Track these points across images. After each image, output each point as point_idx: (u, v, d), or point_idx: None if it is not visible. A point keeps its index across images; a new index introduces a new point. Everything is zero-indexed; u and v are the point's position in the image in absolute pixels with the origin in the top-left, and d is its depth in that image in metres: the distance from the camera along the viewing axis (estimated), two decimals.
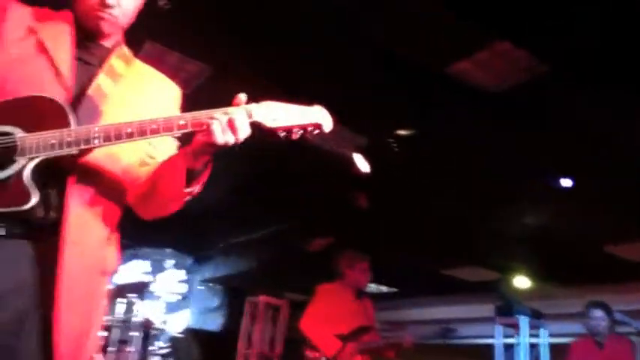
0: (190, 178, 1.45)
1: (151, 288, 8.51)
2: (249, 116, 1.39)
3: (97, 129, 1.35)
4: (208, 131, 1.35)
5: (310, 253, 7.23)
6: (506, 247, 6.71)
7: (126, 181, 1.56)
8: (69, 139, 1.32)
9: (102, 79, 1.51)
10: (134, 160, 1.58)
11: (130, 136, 1.35)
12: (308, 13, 3.67)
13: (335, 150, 5.37)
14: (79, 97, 1.46)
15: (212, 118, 1.36)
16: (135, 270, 8.66)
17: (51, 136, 1.31)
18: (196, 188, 1.49)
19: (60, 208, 1.38)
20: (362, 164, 5.49)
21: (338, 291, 4.87)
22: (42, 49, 1.46)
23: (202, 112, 1.39)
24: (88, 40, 1.58)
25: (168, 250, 9.33)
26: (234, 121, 1.35)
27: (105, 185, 1.49)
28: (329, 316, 4.66)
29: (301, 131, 1.43)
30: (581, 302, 5.39)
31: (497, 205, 5.72)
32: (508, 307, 7.07)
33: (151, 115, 1.46)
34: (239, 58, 4.31)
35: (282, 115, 1.41)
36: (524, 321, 6.90)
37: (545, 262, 6.89)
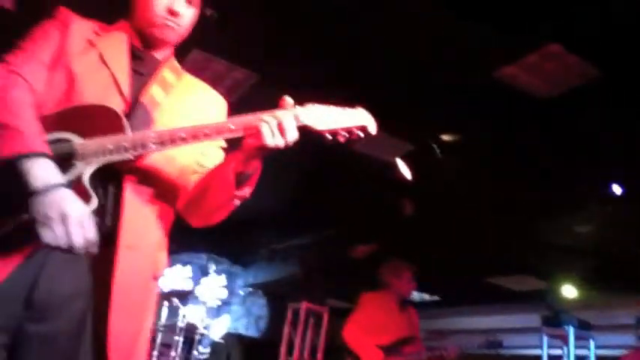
0: (240, 181, 1.47)
1: (194, 293, 8.63)
2: (297, 119, 1.41)
3: (152, 134, 1.39)
4: (258, 134, 1.38)
5: (353, 259, 7.20)
6: (554, 255, 6.54)
7: (178, 188, 1.59)
8: (125, 144, 1.36)
9: (154, 89, 1.56)
10: (186, 168, 1.61)
11: (184, 140, 1.39)
12: (353, 16, 3.66)
13: (379, 156, 5.35)
14: (133, 106, 1.50)
15: (261, 120, 1.38)
16: (177, 275, 8.78)
17: (108, 141, 1.36)
18: (247, 192, 1.51)
19: (116, 213, 1.42)
20: (405, 171, 5.45)
21: (383, 300, 4.82)
22: (102, 61, 1.52)
23: (251, 115, 1.41)
24: (142, 52, 1.63)
25: (210, 255, 9.43)
26: (283, 124, 1.37)
27: (159, 191, 1.53)
28: (373, 325, 4.62)
29: (347, 134, 1.44)
30: (631, 313, 5.21)
31: (545, 212, 5.58)
32: (555, 318, 6.88)
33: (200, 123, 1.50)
34: (284, 65, 4.34)
35: (328, 117, 1.43)
36: (571, 332, 6.71)
37: (595, 271, 6.69)
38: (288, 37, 4.01)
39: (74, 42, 1.53)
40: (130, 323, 1.43)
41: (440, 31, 3.60)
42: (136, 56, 1.60)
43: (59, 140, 1.37)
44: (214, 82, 4.64)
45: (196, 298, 8.85)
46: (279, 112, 1.41)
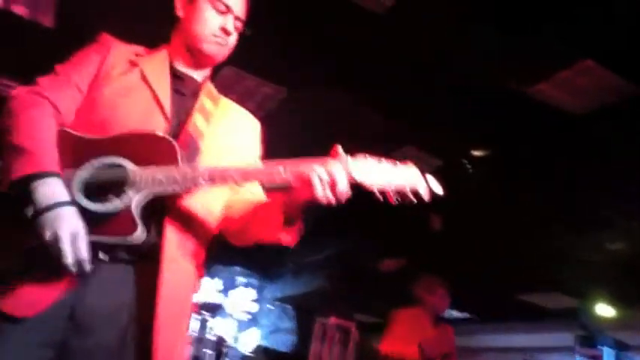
0: (287, 223, 1.50)
1: (223, 306, 8.67)
2: (349, 174, 1.39)
3: (203, 170, 1.41)
4: (309, 185, 1.37)
5: (381, 274, 7.15)
6: (589, 272, 6.38)
7: (219, 205, 1.64)
8: (176, 176, 1.39)
9: (197, 119, 1.60)
10: (222, 193, 1.66)
11: (234, 180, 1.42)
12: (386, 32, 3.67)
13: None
14: (178, 130, 1.55)
15: (314, 172, 1.37)
16: (207, 287, 8.83)
17: (160, 172, 1.38)
18: (291, 236, 1.54)
19: (159, 233, 1.45)
20: (435, 186, 5.39)
21: (417, 317, 4.78)
22: (144, 80, 1.58)
23: (302, 163, 1.40)
24: (183, 72, 1.68)
25: (239, 269, 9.47)
26: (336, 180, 1.36)
27: (201, 208, 1.56)
28: (408, 342, 4.58)
29: (398, 195, 1.43)
30: None
31: (579, 228, 5.47)
32: (590, 337, 6.71)
33: (239, 150, 1.66)
34: (314, 80, 4.37)
35: (380, 174, 1.41)
36: (607, 352, 6.53)
37: (631, 289, 6.51)
38: (317, 53, 4.04)
39: (116, 64, 1.59)
40: (173, 335, 1.46)
41: (472, 46, 3.58)
42: (176, 76, 1.66)
43: (113, 165, 1.41)
44: (245, 98, 4.77)
45: (225, 311, 8.89)
46: (331, 164, 1.39)
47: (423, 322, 4.73)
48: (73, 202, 1.34)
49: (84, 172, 1.39)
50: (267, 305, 9.85)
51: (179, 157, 1.42)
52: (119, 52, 1.62)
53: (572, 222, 5.36)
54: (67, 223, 1.29)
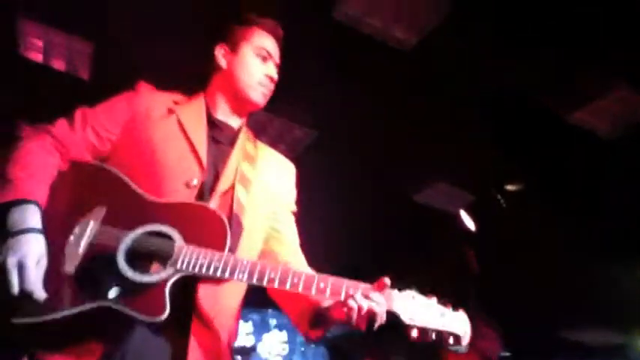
0: (316, 323, 1.51)
1: (256, 349, 8.56)
2: (389, 308, 1.37)
3: (245, 262, 1.38)
4: (344, 306, 1.36)
5: None
6: (634, 306, 6.16)
7: (257, 254, 1.65)
8: (217, 264, 1.36)
9: (244, 165, 1.62)
10: (263, 237, 1.67)
11: (271, 282, 1.37)
12: (414, 68, 3.69)
13: (442, 207, 5.25)
14: (214, 179, 1.56)
15: (351, 298, 1.34)
16: (240, 331, 8.75)
17: (203, 256, 1.36)
18: (316, 336, 1.53)
19: (193, 287, 1.42)
20: (468, 222, 5.33)
21: None
22: (181, 128, 1.60)
23: (344, 280, 1.39)
24: (220, 120, 1.70)
25: (271, 311, 9.38)
26: (374, 315, 1.34)
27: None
28: None
29: (436, 337, 1.37)
30: None
31: (620, 261, 5.30)
32: None
33: (279, 195, 1.70)
34: (344, 123, 4.39)
35: (421, 313, 1.37)
36: None
37: None
38: (347, 97, 4.07)
39: (154, 108, 1.62)
40: None
41: (505, 77, 3.57)
42: (213, 124, 1.68)
43: (164, 235, 1.40)
44: (276, 140, 4.80)
45: (258, 354, 8.78)
46: (373, 296, 1.37)
47: None
48: (42, 232, 1.33)
49: (133, 235, 1.37)
50: (300, 348, 9.69)
51: (227, 238, 1.40)
52: (157, 98, 1.66)
53: (614, 252, 5.20)
54: (28, 248, 1.27)
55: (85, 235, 1.33)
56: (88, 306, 1.26)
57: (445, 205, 5.25)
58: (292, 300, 1.58)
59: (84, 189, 1.45)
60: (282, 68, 3.84)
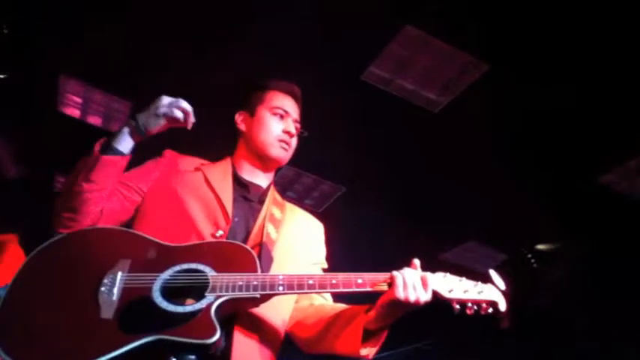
0: (366, 338, 1.48)
1: None
2: (424, 282, 1.43)
3: (281, 277, 1.42)
4: (391, 288, 1.41)
5: None
6: None
7: (289, 308, 1.66)
8: (255, 282, 1.39)
9: (269, 227, 1.63)
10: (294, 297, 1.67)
11: (311, 287, 1.42)
12: (440, 129, 3.72)
13: (471, 267, 5.17)
14: (245, 234, 1.61)
15: (396, 274, 1.42)
16: None
17: (239, 278, 1.39)
18: (372, 352, 1.50)
19: (229, 337, 1.44)
20: (499, 282, 5.22)
21: None
22: (207, 182, 1.67)
23: (379, 273, 1.45)
24: (247, 180, 1.77)
25: None
26: (415, 281, 1.41)
27: (269, 311, 1.54)
28: None
29: (476, 307, 1.47)
30: None
31: None
32: None
33: (308, 254, 1.71)
34: (369, 178, 4.41)
35: (458, 287, 1.47)
36: None
37: None
38: (373, 150, 4.11)
39: (184, 164, 1.72)
40: None
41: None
42: (241, 184, 1.75)
43: (195, 271, 1.42)
44: (304, 195, 4.83)
45: None
46: (410, 272, 1.44)
47: None
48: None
49: (164, 276, 1.40)
50: None
51: (258, 267, 1.44)
52: (184, 160, 1.75)
53: None
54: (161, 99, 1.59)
55: (117, 283, 1.36)
56: (142, 340, 1.29)
57: (474, 263, 5.17)
58: (337, 326, 1.55)
59: (105, 248, 1.48)
60: (312, 126, 3.93)
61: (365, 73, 3.42)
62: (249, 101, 1.83)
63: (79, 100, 4.25)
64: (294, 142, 1.79)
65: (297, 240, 1.74)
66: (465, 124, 3.62)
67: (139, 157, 1.65)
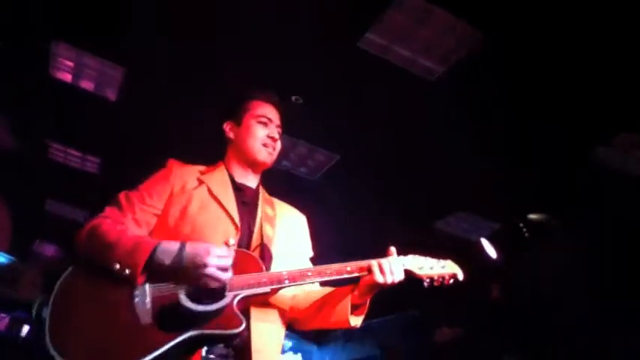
0: (353, 310, 1.78)
1: None
2: (402, 264, 1.75)
3: (285, 273, 1.71)
4: (371, 274, 1.72)
5: (437, 343, 6.90)
6: None
7: (289, 298, 1.92)
8: (264, 279, 1.68)
9: (266, 227, 1.90)
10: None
11: (310, 277, 1.73)
12: (436, 99, 3.71)
13: (464, 236, 5.22)
14: (249, 237, 1.85)
15: (373, 262, 1.73)
16: None
17: (251, 277, 1.68)
18: (359, 321, 1.81)
19: (247, 326, 1.67)
20: (490, 250, 5.28)
21: None
22: (212, 196, 1.87)
23: (363, 261, 1.76)
24: (240, 184, 1.98)
25: (286, 332, 9.28)
26: (392, 267, 1.72)
27: (275, 302, 1.85)
28: None
29: (441, 279, 1.78)
30: None
31: None
32: None
33: (298, 245, 1.99)
34: (364, 147, 4.41)
35: (425, 265, 1.79)
36: None
37: None
38: (367, 119, 4.10)
39: (188, 180, 1.90)
40: None
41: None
42: (238, 188, 1.95)
43: None
44: (299, 163, 4.84)
45: None
46: (389, 259, 1.74)
47: None
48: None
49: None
50: None
51: (263, 267, 1.72)
52: (186, 172, 1.92)
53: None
54: (198, 246, 1.62)
55: (147, 294, 1.59)
56: (182, 336, 1.54)
57: (467, 233, 5.22)
58: (329, 304, 1.83)
59: None
60: (307, 93, 3.91)
61: (362, 41, 3.40)
62: (235, 111, 2.03)
63: (71, 64, 4.21)
64: (278, 145, 1.99)
65: (290, 234, 1.99)
66: (462, 93, 3.62)
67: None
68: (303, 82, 3.89)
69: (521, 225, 4.91)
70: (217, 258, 1.58)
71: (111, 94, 4.46)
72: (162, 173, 1.91)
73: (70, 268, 1.65)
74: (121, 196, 1.83)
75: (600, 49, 3.07)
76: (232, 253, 1.63)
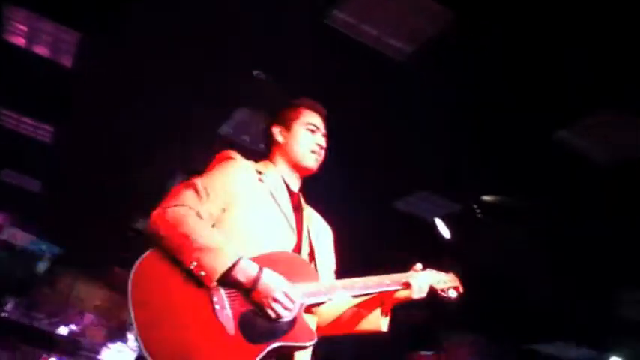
0: (383, 314, 1.95)
1: None
2: (429, 282, 1.92)
3: (339, 284, 1.84)
4: (409, 289, 1.88)
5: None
6: (606, 321, 6.22)
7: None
8: (323, 289, 1.78)
9: (312, 234, 2.00)
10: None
11: (359, 289, 1.85)
12: (405, 79, 3.71)
13: (421, 215, 5.27)
14: (302, 242, 1.93)
15: (411, 279, 1.89)
16: None
17: (311, 286, 1.77)
18: (387, 323, 1.95)
19: None
20: (444, 230, 5.36)
21: None
22: (271, 196, 1.92)
23: (398, 274, 1.91)
24: (290, 188, 2.03)
25: None
26: (422, 282, 1.89)
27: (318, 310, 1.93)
28: None
29: (454, 291, 1.97)
30: None
31: (603, 281, 5.35)
32: None
33: (329, 254, 2.08)
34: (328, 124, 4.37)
35: (441, 279, 1.96)
36: None
37: None
38: (336, 101, 4.06)
39: (250, 176, 1.92)
40: None
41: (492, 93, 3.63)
42: (290, 193, 2.01)
43: None
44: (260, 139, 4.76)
45: None
46: (418, 274, 1.92)
47: None
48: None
49: None
50: None
51: (319, 276, 1.84)
52: (245, 166, 1.95)
53: (599, 274, 5.24)
54: (272, 281, 1.67)
55: (225, 300, 1.63)
56: (268, 347, 1.60)
57: (425, 213, 5.28)
58: (360, 312, 1.97)
59: None
60: (271, 68, 3.84)
61: (329, 17, 3.36)
62: (284, 117, 2.08)
63: (25, 28, 4.04)
64: (323, 153, 2.04)
65: (324, 245, 2.08)
66: (428, 74, 3.62)
67: None
68: (266, 57, 3.85)
69: (475, 206, 5.00)
70: (286, 298, 1.65)
71: (66, 61, 4.31)
72: (227, 165, 1.93)
73: (147, 252, 1.65)
74: (197, 183, 1.83)
75: (566, 34, 3.10)
76: (299, 304, 1.69)
